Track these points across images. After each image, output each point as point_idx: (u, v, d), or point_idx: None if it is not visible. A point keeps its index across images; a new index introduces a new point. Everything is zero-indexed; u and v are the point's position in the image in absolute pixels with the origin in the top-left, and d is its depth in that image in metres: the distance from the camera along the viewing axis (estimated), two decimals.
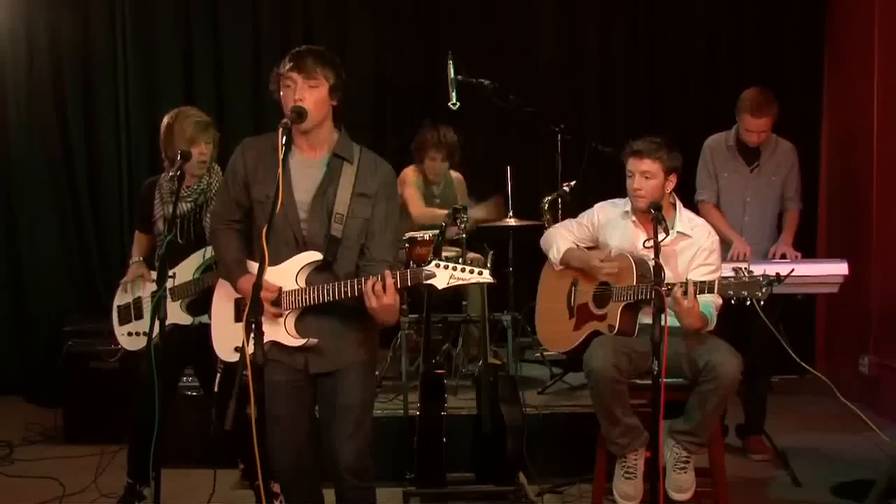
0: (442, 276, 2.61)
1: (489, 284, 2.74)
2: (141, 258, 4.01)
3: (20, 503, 4.16)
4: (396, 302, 2.75)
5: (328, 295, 2.83)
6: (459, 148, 5.23)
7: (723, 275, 3.41)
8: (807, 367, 4.04)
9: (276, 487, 3.74)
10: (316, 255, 2.88)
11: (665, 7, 6.34)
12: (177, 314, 3.76)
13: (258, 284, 2.71)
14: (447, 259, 2.66)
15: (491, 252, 5.05)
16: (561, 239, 4.01)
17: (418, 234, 4.62)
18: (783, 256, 4.58)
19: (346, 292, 2.80)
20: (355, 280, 2.80)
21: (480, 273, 2.60)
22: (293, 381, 2.98)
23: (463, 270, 2.61)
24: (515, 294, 5.02)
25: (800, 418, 5.33)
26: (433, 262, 2.63)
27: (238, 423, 2.66)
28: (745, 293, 3.22)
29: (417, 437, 3.95)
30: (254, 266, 2.84)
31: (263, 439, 2.89)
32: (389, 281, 2.72)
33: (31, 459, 4.72)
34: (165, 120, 3.82)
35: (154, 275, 3.89)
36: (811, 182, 6.00)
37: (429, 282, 2.64)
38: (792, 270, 4.42)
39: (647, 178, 3.68)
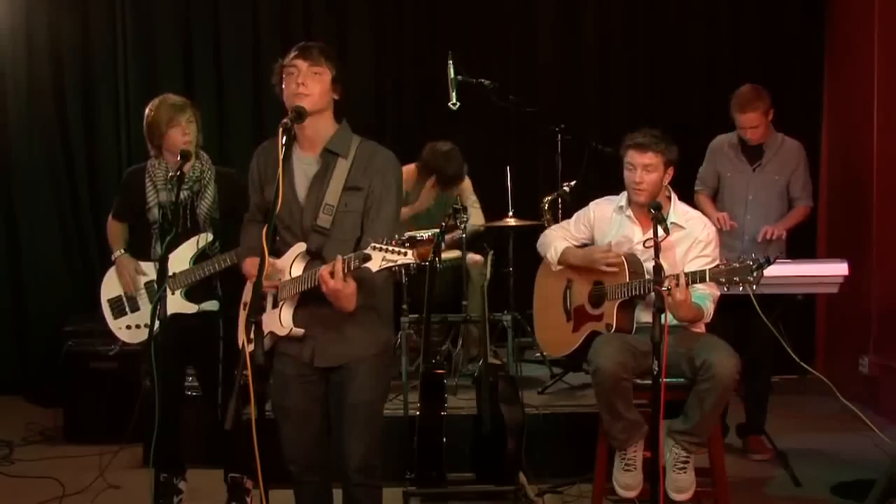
0: (376, 258, 2.63)
1: (414, 266, 2.78)
2: (123, 250, 3.97)
3: (20, 503, 4.16)
4: (346, 288, 2.72)
5: (303, 284, 2.86)
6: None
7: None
8: (807, 367, 4.05)
9: (250, 484, 3.86)
10: (302, 246, 2.93)
11: (665, 6, 6.34)
12: (178, 303, 3.75)
13: (258, 284, 2.73)
14: (386, 242, 2.66)
15: (491, 252, 5.07)
16: (558, 239, 4.01)
17: (418, 234, 4.59)
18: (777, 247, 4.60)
19: (315, 280, 2.80)
20: (320, 268, 2.78)
21: (405, 254, 2.63)
22: (303, 374, 3.00)
23: (393, 252, 2.63)
24: (515, 294, 5.02)
25: (800, 418, 5.33)
26: (370, 245, 2.63)
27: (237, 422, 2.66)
28: (737, 279, 3.20)
29: (417, 437, 3.95)
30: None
31: (261, 439, 2.89)
32: (336, 266, 2.69)
33: (31, 459, 4.72)
34: (147, 111, 3.83)
35: (143, 265, 3.86)
36: (811, 181, 6.00)
37: (365, 264, 2.64)
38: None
39: (648, 171, 3.67)
